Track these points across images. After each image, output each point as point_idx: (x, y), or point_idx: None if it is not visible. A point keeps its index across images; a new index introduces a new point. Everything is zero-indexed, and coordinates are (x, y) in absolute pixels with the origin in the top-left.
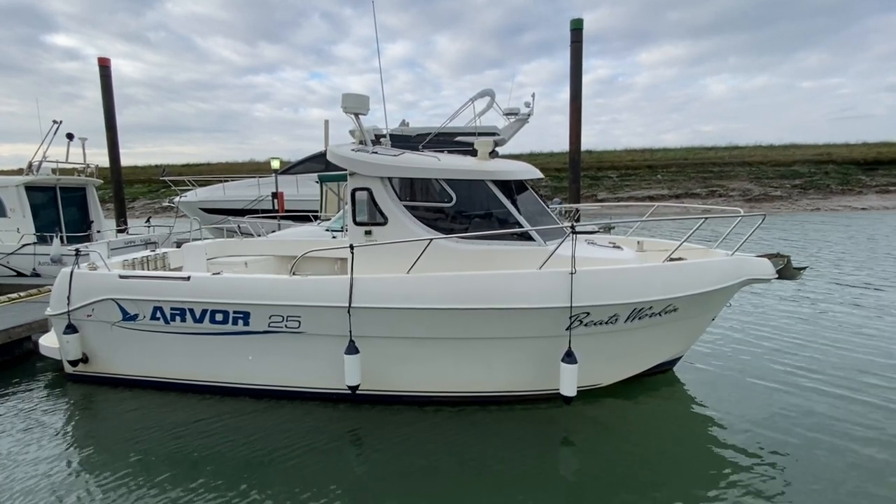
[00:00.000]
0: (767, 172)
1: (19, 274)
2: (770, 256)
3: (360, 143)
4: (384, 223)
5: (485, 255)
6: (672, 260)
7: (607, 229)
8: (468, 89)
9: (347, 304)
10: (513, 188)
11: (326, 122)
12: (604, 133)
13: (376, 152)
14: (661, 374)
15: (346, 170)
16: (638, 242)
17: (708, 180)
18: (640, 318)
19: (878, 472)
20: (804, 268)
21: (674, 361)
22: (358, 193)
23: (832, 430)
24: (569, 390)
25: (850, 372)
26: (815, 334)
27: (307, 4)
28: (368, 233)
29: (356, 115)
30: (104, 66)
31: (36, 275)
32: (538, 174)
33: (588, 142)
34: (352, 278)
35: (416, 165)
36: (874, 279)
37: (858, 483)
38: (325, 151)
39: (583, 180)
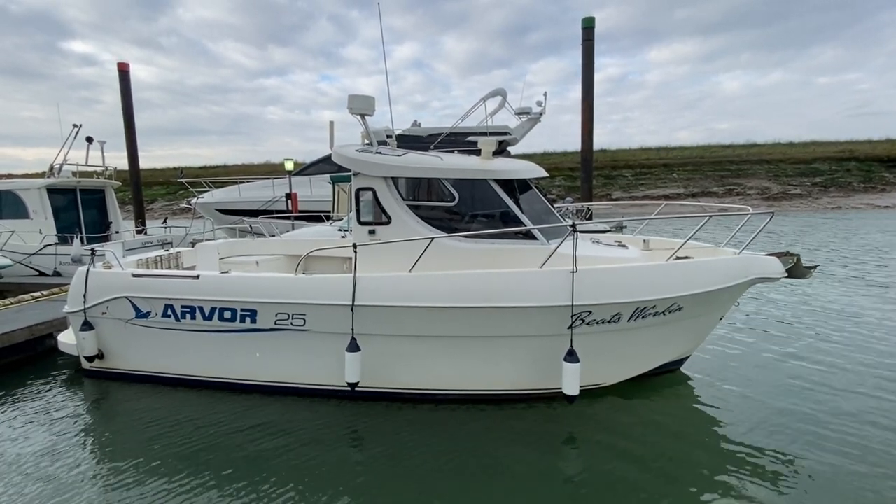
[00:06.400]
0: (787, 170)
1: (41, 273)
2: (779, 255)
3: (367, 143)
4: (388, 222)
5: (487, 253)
6: (678, 259)
7: (619, 228)
8: (477, 89)
9: (351, 302)
10: (515, 187)
11: (331, 123)
12: (616, 132)
13: (380, 152)
14: (669, 374)
15: None
16: (644, 241)
17: (725, 178)
18: (643, 318)
19: (884, 474)
20: (815, 266)
21: (681, 361)
22: (362, 193)
23: (840, 432)
24: (571, 389)
25: (861, 373)
26: (827, 334)
27: (314, 7)
28: (372, 232)
29: (362, 116)
30: (123, 71)
31: (57, 274)
32: (542, 173)
33: (601, 140)
34: (355, 277)
35: (419, 165)
36: (890, 277)
37: (865, 484)
38: None
39: (597, 179)
